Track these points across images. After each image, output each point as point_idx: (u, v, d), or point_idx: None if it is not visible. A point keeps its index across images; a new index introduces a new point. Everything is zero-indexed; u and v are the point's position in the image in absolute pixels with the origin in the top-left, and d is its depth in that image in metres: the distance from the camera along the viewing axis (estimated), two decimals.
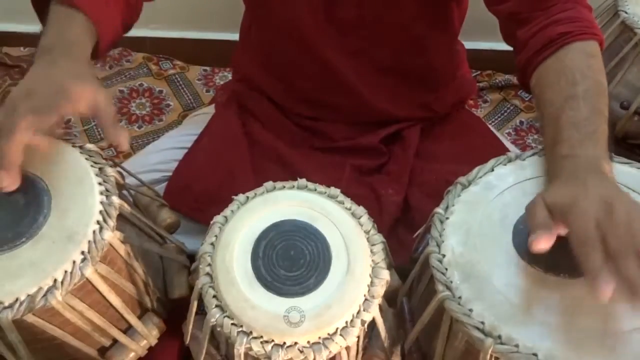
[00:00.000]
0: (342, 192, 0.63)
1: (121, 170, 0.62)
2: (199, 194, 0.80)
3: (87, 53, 0.62)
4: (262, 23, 0.86)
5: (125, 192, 0.65)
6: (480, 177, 0.60)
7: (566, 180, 0.54)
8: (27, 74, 0.58)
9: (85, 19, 0.63)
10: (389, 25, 0.80)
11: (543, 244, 0.48)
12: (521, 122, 1.43)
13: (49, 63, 0.58)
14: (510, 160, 0.61)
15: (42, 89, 0.55)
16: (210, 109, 0.96)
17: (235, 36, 0.96)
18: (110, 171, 0.59)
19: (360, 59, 0.83)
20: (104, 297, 0.56)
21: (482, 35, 1.28)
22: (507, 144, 0.92)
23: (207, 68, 1.51)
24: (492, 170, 0.61)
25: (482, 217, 0.56)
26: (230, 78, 1.03)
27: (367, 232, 0.59)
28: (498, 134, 0.94)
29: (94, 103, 0.56)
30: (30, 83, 0.56)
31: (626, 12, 1.05)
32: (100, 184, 0.57)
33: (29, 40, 1.50)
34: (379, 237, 0.59)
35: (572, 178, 0.53)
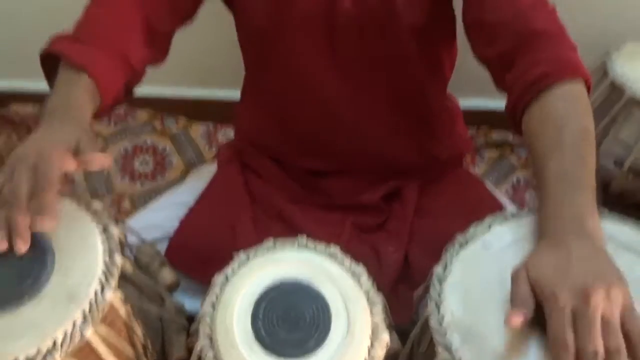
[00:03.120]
0: (342, 249, 0.63)
1: (124, 228, 0.63)
2: (200, 252, 0.81)
3: (88, 116, 0.64)
4: (262, 70, 0.89)
5: (127, 250, 0.65)
6: (478, 236, 0.61)
7: (550, 244, 0.54)
8: (26, 139, 0.60)
9: (89, 81, 0.65)
10: (388, 64, 0.82)
11: (519, 321, 0.49)
12: (518, 180, 1.44)
13: (46, 127, 0.61)
14: (506, 219, 0.62)
15: (32, 153, 0.56)
16: (213, 166, 0.98)
17: (238, 94, 0.99)
18: (114, 230, 0.59)
19: (360, 98, 0.85)
20: (102, 359, 0.56)
21: (476, 93, 1.32)
22: (505, 201, 0.93)
23: (210, 125, 1.54)
24: (489, 228, 0.61)
25: (481, 276, 0.57)
26: (232, 135, 1.05)
27: (366, 292, 0.59)
28: (495, 191, 0.95)
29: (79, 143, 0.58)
30: (23, 149, 0.58)
31: (615, 72, 1.09)
32: (103, 242, 0.58)
33: (37, 98, 1.53)
34: (378, 297, 0.59)
35: (557, 242, 0.53)
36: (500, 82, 0.71)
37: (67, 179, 0.60)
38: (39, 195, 0.54)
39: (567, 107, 0.62)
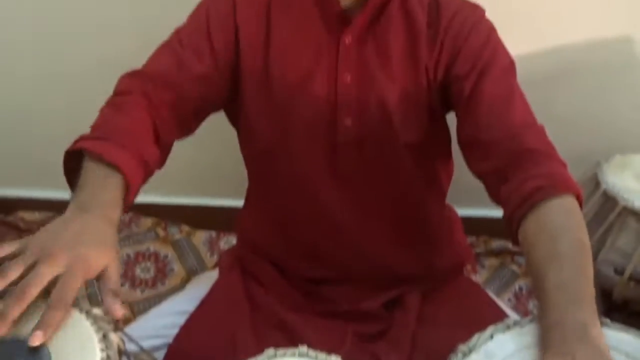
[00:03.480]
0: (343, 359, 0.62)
1: (123, 336, 0.63)
2: None
3: (118, 213, 0.65)
4: (264, 180, 0.92)
5: (125, 358, 0.64)
6: (481, 345, 0.60)
7: (556, 354, 0.53)
8: (57, 221, 0.61)
9: (119, 182, 0.66)
10: (387, 178, 0.86)
11: None
12: (520, 288, 1.43)
13: (80, 221, 0.61)
14: (509, 327, 0.62)
15: (66, 254, 0.57)
16: (214, 273, 0.98)
17: (242, 202, 1.02)
18: (114, 337, 0.59)
19: (360, 210, 0.87)
20: None
21: (475, 203, 1.35)
22: (507, 309, 0.93)
23: (213, 233, 1.56)
24: (492, 337, 0.61)
25: None
26: (234, 243, 1.07)
27: None
28: (497, 300, 0.95)
29: (103, 271, 0.59)
30: (57, 238, 0.58)
31: (607, 183, 1.12)
32: (102, 350, 0.57)
33: (43, 205, 1.57)
34: None
35: (562, 352, 0.53)
36: (495, 196, 0.74)
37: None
38: (49, 308, 0.54)
39: (562, 219, 0.64)
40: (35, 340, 0.53)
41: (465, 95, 0.77)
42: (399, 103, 0.80)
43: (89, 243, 0.59)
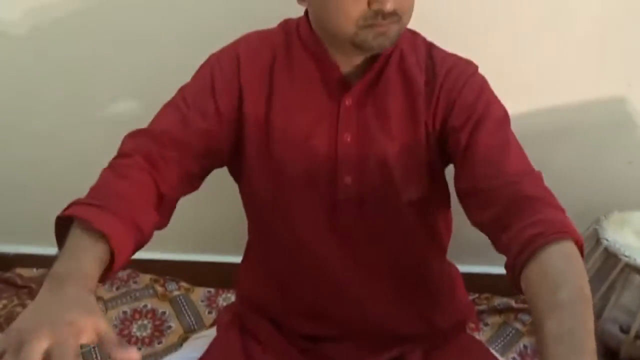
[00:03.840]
0: None
1: None
2: None
3: (95, 282, 0.63)
4: (265, 236, 0.92)
5: None
6: None
7: None
8: (33, 302, 0.59)
9: (104, 249, 0.65)
10: (388, 235, 0.86)
11: None
12: (525, 347, 1.40)
13: (57, 292, 0.59)
14: None
15: (48, 322, 0.54)
16: (212, 332, 0.96)
17: (240, 259, 1.01)
18: None
19: (361, 267, 0.87)
20: None
21: (477, 259, 1.34)
22: None
23: (211, 290, 1.54)
24: None
25: None
26: (233, 299, 1.05)
27: None
28: (502, 359, 0.93)
29: (97, 332, 0.57)
30: (35, 316, 0.56)
31: (607, 240, 1.12)
32: None
33: (41, 261, 1.56)
34: None
35: None
36: (498, 244, 0.74)
37: None
38: None
39: (563, 266, 0.64)
40: None
41: (462, 147, 0.78)
42: (398, 161, 0.82)
43: (71, 309, 0.57)
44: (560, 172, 1.27)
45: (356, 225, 0.85)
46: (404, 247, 0.87)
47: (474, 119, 0.79)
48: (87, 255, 0.64)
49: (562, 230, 0.67)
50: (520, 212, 0.71)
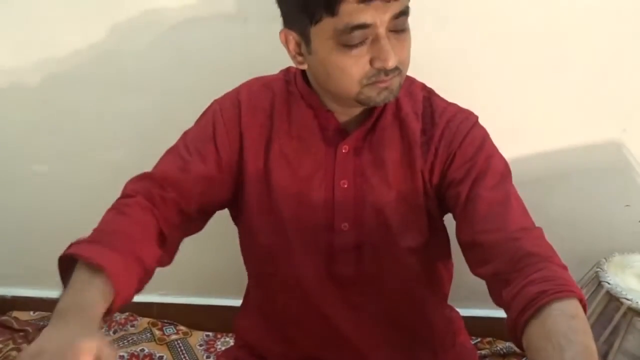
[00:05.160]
0: None
1: None
2: None
3: (99, 315, 0.64)
4: (265, 282, 0.92)
5: None
6: None
7: None
8: (39, 337, 0.59)
9: (104, 282, 0.65)
10: (387, 282, 0.85)
11: None
12: None
13: (60, 325, 0.60)
14: None
15: (50, 350, 0.56)
16: None
17: (239, 302, 1.00)
18: None
19: (360, 314, 0.86)
20: None
21: (479, 303, 1.32)
22: None
23: (210, 333, 1.52)
24: None
25: None
26: (232, 344, 1.04)
27: None
28: None
29: (99, 354, 0.57)
30: (39, 346, 0.57)
31: (609, 283, 1.11)
32: None
33: (38, 304, 1.54)
34: None
35: None
36: (497, 299, 0.73)
37: None
38: None
39: (567, 324, 0.62)
40: None
41: (462, 200, 0.78)
42: (395, 208, 0.82)
43: (75, 337, 0.57)
44: (558, 217, 1.28)
45: (354, 272, 0.85)
46: (403, 294, 0.87)
47: (475, 173, 0.78)
48: (89, 289, 0.64)
49: (565, 289, 0.65)
50: (521, 269, 0.69)
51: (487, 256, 0.74)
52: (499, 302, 0.73)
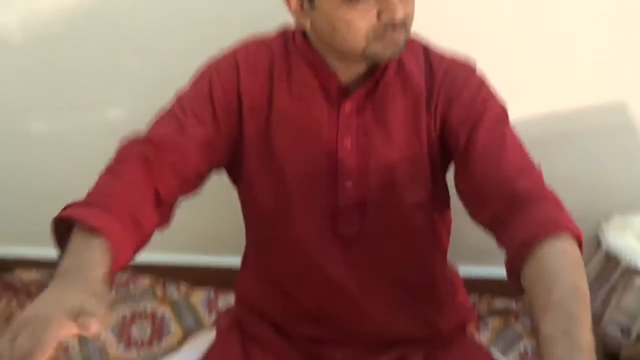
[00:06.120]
0: None
1: None
2: None
3: (99, 276, 0.63)
4: (265, 241, 0.92)
5: None
6: None
7: None
8: (41, 295, 0.59)
9: (102, 244, 0.64)
10: (390, 239, 0.86)
11: None
12: (525, 349, 1.40)
13: (57, 288, 0.60)
14: None
15: (43, 313, 0.56)
16: (211, 334, 0.96)
17: (240, 261, 1.01)
18: None
19: (362, 271, 0.87)
20: None
21: (477, 261, 1.34)
22: None
23: (211, 292, 1.54)
24: None
25: None
26: (233, 302, 1.05)
27: None
28: None
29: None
30: (34, 309, 0.57)
31: (608, 244, 1.12)
32: None
33: (41, 264, 1.56)
34: None
35: None
36: (499, 242, 0.74)
37: (61, 346, 0.58)
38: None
39: (558, 264, 0.63)
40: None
41: (461, 146, 0.79)
42: (400, 164, 0.82)
43: (58, 301, 0.57)
44: (560, 178, 1.27)
45: (357, 230, 0.85)
46: (406, 251, 0.87)
47: (473, 118, 0.79)
48: (88, 251, 0.64)
49: (558, 226, 0.66)
50: (517, 210, 0.70)
51: (484, 201, 0.75)
52: (500, 245, 0.73)
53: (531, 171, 0.76)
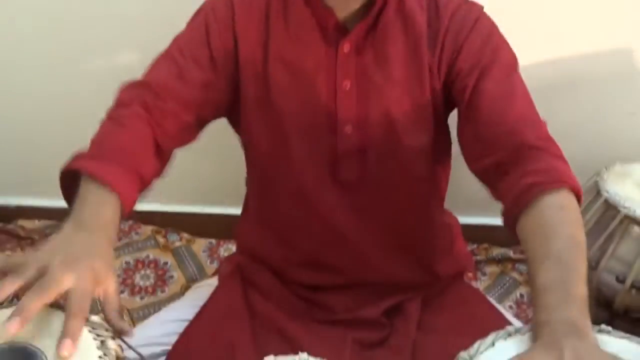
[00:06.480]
0: None
1: (121, 343, 0.63)
2: None
3: (115, 232, 0.67)
4: (265, 187, 0.92)
5: None
6: (482, 352, 0.60)
7: (544, 345, 0.55)
8: (58, 235, 0.62)
9: (114, 200, 0.67)
10: (391, 185, 0.86)
11: None
12: (521, 295, 1.43)
13: (81, 235, 0.62)
14: (510, 334, 0.62)
15: (73, 264, 0.58)
16: (214, 281, 0.98)
17: (240, 210, 1.01)
18: (112, 344, 0.59)
19: (362, 217, 0.87)
20: None
21: (475, 210, 1.35)
22: (509, 316, 0.92)
23: (213, 240, 1.55)
24: (493, 344, 0.61)
25: None
26: (234, 250, 1.07)
27: None
28: (499, 307, 0.95)
29: (106, 291, 0.60)
30: (61, 250, 0.59)
31: (607, 192, 1.12)
32: (101, 357, 0.57)
33: (43, 213, 1.57)
34: None
35: (550, 343, 0.54)
36: (495, 192, 0.75)
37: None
38: (71, 317, 0.55)
39: (556, 216, 0.64)
40: (64, 349, 0.53)
41: (467, 93, 0.77)
42: (401, 107, 0.81)
43: (95, 256, 0.60)
44: (562, 125, 1.25)
45: (358, 174, 0.84)
46: (406, 196, 0.87)
47: (481, 65, 0.77)
48: (103, 206, 0.66)
49: (558, 180, 0.67)
50: (519, 161, 0.71)
51: (487, 149, 0.75)
52: (496, 196, 0.74)
53: (537, 122, 0.76)
